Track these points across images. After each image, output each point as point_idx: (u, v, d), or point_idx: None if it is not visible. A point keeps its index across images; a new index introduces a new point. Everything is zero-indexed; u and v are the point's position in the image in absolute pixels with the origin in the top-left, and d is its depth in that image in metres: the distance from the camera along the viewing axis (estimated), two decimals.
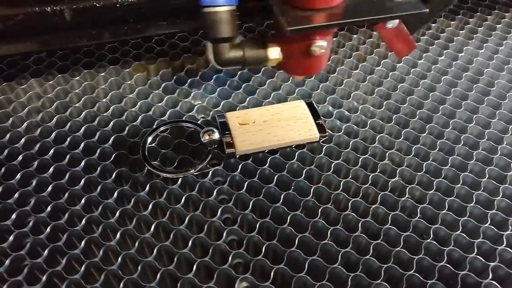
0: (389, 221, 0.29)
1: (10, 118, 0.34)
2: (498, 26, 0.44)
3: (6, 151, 0.32)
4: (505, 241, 0.28)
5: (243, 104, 0.36)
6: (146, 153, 0.32)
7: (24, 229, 0.28)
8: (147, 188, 0.30)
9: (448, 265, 0.27)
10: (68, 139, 0.33)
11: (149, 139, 0.33)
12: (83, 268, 0.27)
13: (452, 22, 0.44)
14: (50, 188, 0.30)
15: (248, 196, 0.30)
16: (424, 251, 0.28)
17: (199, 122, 0.35)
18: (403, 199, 0.30)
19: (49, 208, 0.29)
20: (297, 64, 0.31)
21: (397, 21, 0.30)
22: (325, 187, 0.31)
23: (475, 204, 0.30)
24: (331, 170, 0.32)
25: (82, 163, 0.32)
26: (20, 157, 0.32)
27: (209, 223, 0.29)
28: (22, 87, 0.37)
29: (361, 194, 0.31)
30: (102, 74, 0.38)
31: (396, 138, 0.34)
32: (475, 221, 0.29)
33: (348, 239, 0.28)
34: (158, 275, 0.26)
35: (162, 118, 0.35)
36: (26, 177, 0.31)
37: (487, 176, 0.32)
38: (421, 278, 0.27)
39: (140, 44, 0.41)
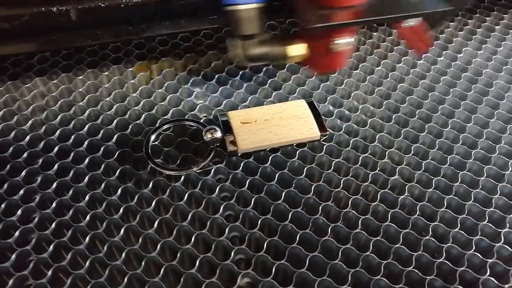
0: (389, 219, 0.30)
1: (15, 116, 0.35)
2: (496, 27, 0.44)
3: (11, 149, 0.33)
4: (502, 238, 0.29)
5: (244, 103, 0.37)
6: (150, 151, 0.32)
7: (29, 225, 0.29)
8: (151, 185, 0.31)
9: (446, 261, 0.28)
10: (72, 137, 0.34)
11: (152, 137, 0.33)
12: (87, 263, 0.27)
13: (451, 24, 0.44)
14: (54, 185, 0.31)
15: (250, 194, 0.31)
16: (423, 248, 0.28)
17: (201, 120, 0.35)
18: (402, 197, 0.31)
19: (54, 205, 0.30)
20: (320, 61, 0.32)
21: (417, 19, 0.30)
22: (326, 185, 0.31)
23: (473, 202, 0.30)
24: (332, 168, 0.32)
25: (86, 160, 0.32)
26: (25, 155, 0.32)
27: (212, 219, 0.29)
28: (27, 85, 0.37)
29: (361, 192, 0.31)
30: (106, 73, 0.38)
31: (396, 137, 0.34)
32: (473, 218, 0.30)
33: (348, 236, 0.29)
34: (162, 270, 0.27)
35: (165, 117, 0.35)
36: (31, 174, 0.31)
37: (485, 174, 0.32)
38: (420, 274, 0.27)
39: (143, 44, 0.41)
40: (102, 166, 0.32)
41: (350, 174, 0.32)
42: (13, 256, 0.27)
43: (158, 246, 0.28)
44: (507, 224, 0.29)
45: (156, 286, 0.27)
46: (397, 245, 0.28)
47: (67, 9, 0.29)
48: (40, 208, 0.29)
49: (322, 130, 0.33)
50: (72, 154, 0.32)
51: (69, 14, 0.29)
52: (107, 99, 0.37)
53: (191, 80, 0.38)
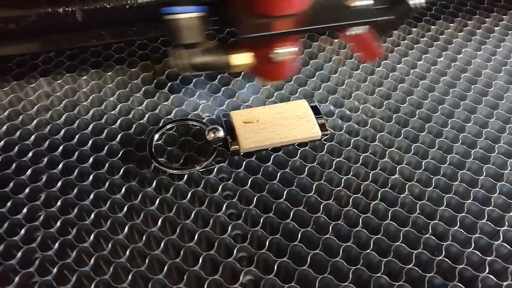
0: (389, 217, 0.30)
1: (20, 116, 0.35)
2: (496, 28, 0.44)
3: (16, 148, 0.33)
4: (501, 236, 0.29)
5: (246, 104, 0.37)
6: (153, 150, 0.32)
7: (35, 223, 0.29)
8: (154, 184, 0.31)
9: (446, 259, 0.28)
10: (77, 136, 0.34)
11: (156, 136, 0.33)
12: (92, 260, 0.27)
13: (451, 24, 0.45)
14: (59, 183, 0.31)
15: (252, 192, 0.31)
16: (423, 246, 0.29)
17: (204, 120, 0.35)
18: (402, 195, 0.31)
19: (59, 203, 0.30)
20: (264, 70, 0.32)
21: (360, 28, 0.30)
22: (327, 183, 0.32)
23: (472, 201, 0.31)
24: (333, 168, 0.32)
25: (91, 159, 0.33)
26: (30, 154, 0.33)
27: (214, 218, 0.30)
28: (31, 85, 0.38)
29: (362, 190, 0.31)
30: (109, 73, 0.39)
31: (396, 137, 0.35)
32: (472, 217, 0.30)
33: (349, 234, 0.29)
34: (165, 267, 0.27)
35: (168, 117, 0.36)
36: (36, 173, 0.32)
37: (484, 174, 0.33)
38: (420, 271, 0.27)
39: (146, 45, 0.42)
40: (106, 165, 0.32)
41: (351, 173, 0.32)
42: (19, 254, 0.28)
43: (162, 244, 0.28)
44: (506, 223, 0.30)
45: (160, 283, 0.27)
46: (397, 243, 0.29)
47: (73, 10, 0.29)
48: (45, 207, 0.30)
49: (323, 129, 0.33)
50: (76, 153, 0.33)
51: (75, 15, 0.29)
52: (111, 99, 0.37)
53: (194, 81, 0.38)
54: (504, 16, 0.46)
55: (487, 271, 0.28)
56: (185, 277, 0.27)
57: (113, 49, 0.41)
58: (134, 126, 0.35)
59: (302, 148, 0.33)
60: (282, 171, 0.32)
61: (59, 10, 0.29)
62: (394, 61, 0.41)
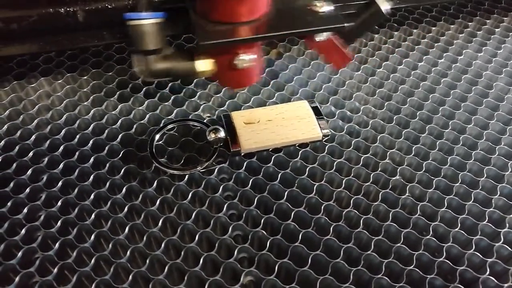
0: (390, 218, 0.30)
1: (21, 116, 0.35)
2: (496, 30, 0.44)
3: (17, 148, 0.33)
4: (502, 238, 0.29)
5: (247, 104, 0.37)
6: (154, 150, 0.32)
7: (35, 223, 0.29)
8: (155, 184, 0.31)
9: (447, 260, 0.28)
10: (77, 136, 0.34)
11: (157, 137, 0.33)
12: (93, 261, 0.27)
13: (452, 26, 0.45)
14: (60, 183, 0.31)
15: (252, 193, 0.31)
16: (424, 247, 0.29)
17: (205, 121, 0.35)
18: (403, 197, 0.31)
19: (59, 203, 0.30)
20: (227, 77, 0.31)
21: (325, 34, 0.29)
22: (328, 184, 0.32)
23: (473, 203, 0.31)
24: (334, 169, 0.32)
25: (91, 159, 0.33)
26: (31, 154, 0.33)
27: (215, 218, 0.30)
28: (32, 85, 0.38)
29: (362, 192, 0.31)
30: (110, 73, 0.39)
31: (397, 138, 0.35)
32: (473, 218, 0.30)
33: (350, 235, 0.29)
34: (166, 268, 0.27)
35: (169, 117, 0.36)
36: (37, 173, 0.32)
37: (485, 175, 0.33)
38: (421, 273, 0.27)
39: None
40: (107, 165, 0.32)
41: (352, 174, 0.32)
42: (19, 254, 0.28)
43: (163, 244, 0.28)
44: (507, 224, 0.30)
45: (161, 283, 0.27)
46: (398, 244, 0.29)
47: (75, 10, 0.29)
48: (45, 206, 0.30)
49: (324, 130, 0.33)
50: (77, 153, 0.33)
51: (76, 15, 0.29)
52: (112, 99, 0.37)
53: (194, 81, 0.38)
54: (505, 18, 0.46)
55: (488, 272, 0.27)
56: (185, 277, 0.27)
57: (114, 49, 0.41)
58: (135, 126, 0.35)
59: (303, 149, 0.33)
60: (283, 172, 0.32)
61: (60, 10, 0.29)
62: (395, 62, 0.41)
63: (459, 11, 0.46)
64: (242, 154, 0.33)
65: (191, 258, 0.28)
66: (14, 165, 0.32)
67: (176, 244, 0.28)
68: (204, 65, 0.30)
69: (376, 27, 0.44)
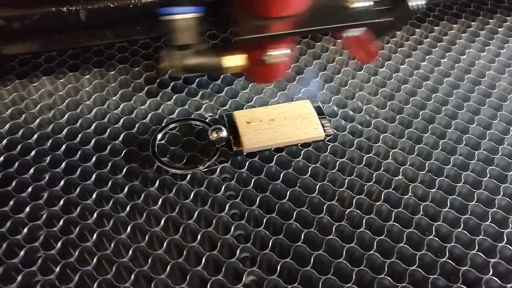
0: (392, 218, 0.30)
1: (23, 115, 0.35)
2: (499, 29, 0.44)
3: (19, 147, 0.33)
4: (505, 238, 0.29)
5: (250, 104, 0.37)
6: (156, 149, 0.32)
7: (37, 222, 0.29)
8: (157, 183, 0.31)
9: (449, 261, 0.28)
10: (79, 135, 0.34)
11: (159, 136, 0.33)
12: (95, 260, 0.27)
13: (455, 26, 0.45)
14: (62, 182, 0.31)
15: (255, 192, 0.31)
16: (426, 247, 0.29)
17: (207, 120, 0.35)
18: (406, 196, 0.31)
19: (61, 202, 0.30)
20: (257, 72, 0.31)
21: (360, 29, 0.29)
22: (330, 184, 0.32)
23: (476, 203, 0.31)
24: (336, 168, 0.32)
25: (93, 159, 0.33)
26: (33, 153, 0.33)
27: (217, 218, 0.30)
28: (34, 84, 0.38)
29: (365, 191, 0.31)
30: (112, 72, 0.39)
31: (400, 138, 0.35)
32: (476, 219, 0.30)
33: (353, 235, 0.29)
34: (168, 267, 0.27)
35: (171, 116, 0.36)
36: (39, 172, 0.32)
37: (488, 175, 0.32)
38: (423, 273, 0.27)
39: (149, 44, 0.41)
40: (109, 164, 0.32)
41: (354, 174, 0.32)
42: (22, 253, 0.28)
43: (165, 244, 0.28)
44: (510, 224, 0.30)
45: (163, 283, 0.27)
46: (401, 245, 0.28)
47: (77, 9, 0.29)
48: (48, 206, 0.30)
49: (327, 130, 0.33)
50: (79, 152, 0.33)
51: (79, 14, 0.29)
52: (114, 98, 0.37)
53: (196, 80, 0.38)
54: (508, 18, 0.46)
55: (491, 273, 0.27)
56: (188, 277, 0.27)
57: (115, 48, 0.41)
58: (137, 125, 0.35)
59: (305, 149, 0.33)
60: (285, 172, 0.32)
61: (63, 9, 0.29)
62: (397, 62, 0.41)
63: (462, 11, 0.46)
64: (244, 153, 0.33)
65: (193, 258, 0.28)
66: (16, 164, 0.32)
67: (178, 243, 0.28)
68: (232, 60, 0.30)
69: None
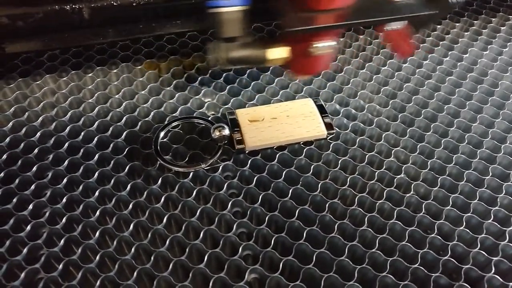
0: (395, 216, 0.30)
1: (26, 113, 0.35)
2: (502, 28, 0.44)
3: (22, 145, 0.33)
4: (508, 236, 0.29)
5: (252, 102, 0.37)
6: (158, 148, 0.32)
7: (40, 219, 0.29)
8: (159, 181, 0.31)
9: (452, 259, 0.28)
10: (82, 133, 0.34)
11: (161, 134, 0.33)
12: (97, 257, 0.28)
13: (457, 24, 0.45)
14: (65, 180, 0.31)
15: (257, 191, 0.31)
16: (429, 246, 0.29)
17: (209, 118, 0.35)
18: (408, 195, 0.31)
19: (64, 200, 0.30)
20: (301, 64, 0.32)
21: (401, 22, 0.30)
22: (332, 182, 0.32)
23: (478, 201, 0.31)
24: (338, 167, 0.32)
25: (96, 156, 0.33)
26: (36, 150, 0.33)
27: (220, 216, 0.30)
28: (37, 82, 0.38)
29: (367, 190, 0.31)
30: (115, 71, 0.39)
31: (402, 136, 0.35)
32: (478, 217, 0.30)
33: (355, 233, 0.29)
34: (170, 265, 0.27)
35: (174, 114, 0.36)
36: (42, 170, 0.32)
37: (490, 174, 0.32)
38: (426, 271, 0.27)
39: (152, 43, 0.42)
40: (112, 162, 0.32)
41: (356, 172, 0.32)
42: (25, 250, 0.28)
43: (167, 242, 0.28)
44: None
45: (165, 281, 0.27)
46: (403, 243, 0.28)
47: (80, 8, 0.29)
48: (51, 203, 0.30)
49: (329, 128, 0.33)
50: (82, 150, 0.33)
51: (82, 13, 0.29)
52: (116, 96, 0.37)
53: (199, 79, 0.38)
54: (510, 16, 0.46)
55: (493, 271, 0.27)
56: (190, 274, 0.27)
57: (118, 47, 0.41)
58: (139, 123, 0.35)
59: (308, 147, 0.33)
60: (287, 170, 0.32)
61: (66, 7, 0.29)
62: (399, 61, 0.41)
63: (464, 9, 0.46)
64: (247, 151, 0.33)
65: (196, 255, 0.28)
66: (20, 162, 0.32)
67: (181, 241, 0.29)
68: (277, 52, 0.30)
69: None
